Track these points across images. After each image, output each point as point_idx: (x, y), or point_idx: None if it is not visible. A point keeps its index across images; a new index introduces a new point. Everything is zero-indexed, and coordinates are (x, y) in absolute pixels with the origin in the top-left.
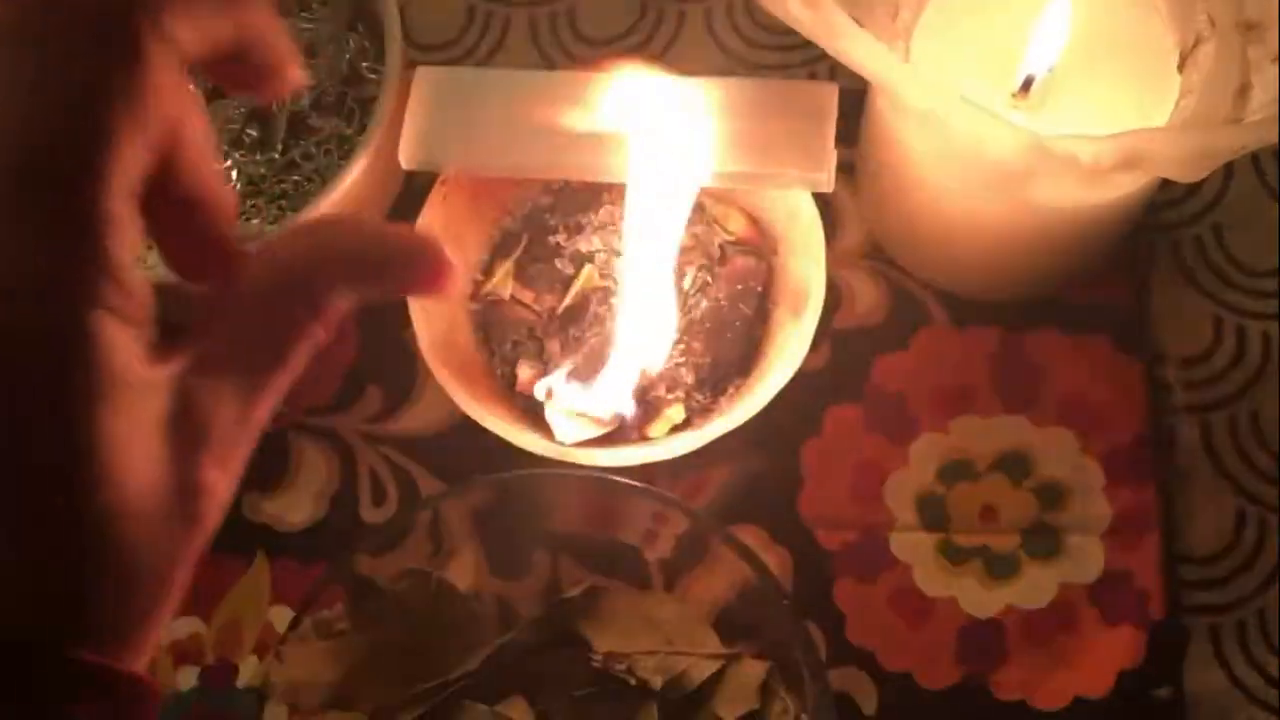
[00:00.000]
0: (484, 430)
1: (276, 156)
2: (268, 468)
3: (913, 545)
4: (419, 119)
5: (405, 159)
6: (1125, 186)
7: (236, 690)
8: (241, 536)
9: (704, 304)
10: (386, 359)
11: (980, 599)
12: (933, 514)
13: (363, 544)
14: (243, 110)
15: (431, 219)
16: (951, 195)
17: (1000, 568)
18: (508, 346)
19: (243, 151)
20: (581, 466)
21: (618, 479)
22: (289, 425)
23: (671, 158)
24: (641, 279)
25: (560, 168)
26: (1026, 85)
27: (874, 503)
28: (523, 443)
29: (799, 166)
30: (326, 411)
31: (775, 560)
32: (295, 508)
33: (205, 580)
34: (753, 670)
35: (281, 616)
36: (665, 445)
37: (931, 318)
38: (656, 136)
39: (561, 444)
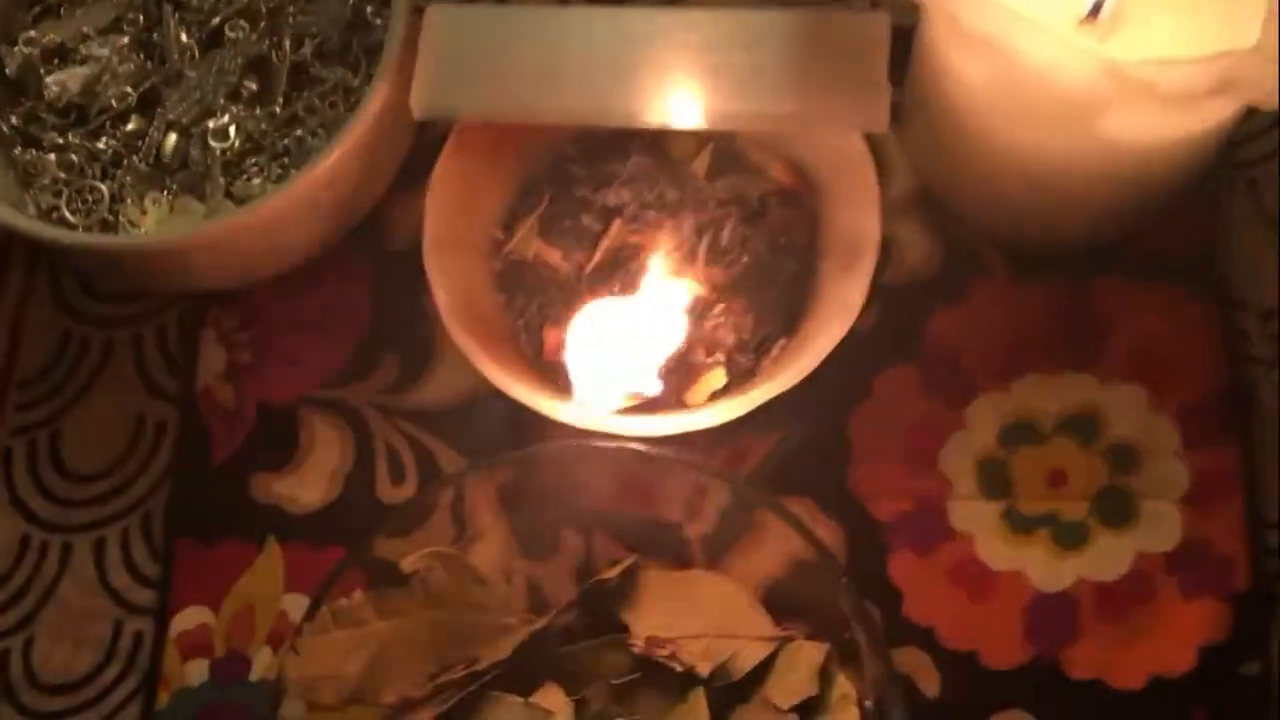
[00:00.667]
0: (509, 400)
1: (277, 110)
2: (277, 445)
3: (974, 515)
4: (430, 63)
5: (416, 107)
6: (1205, 118)
7: (250, 684)
8: (251, 519)
9: (744, 259)
10: (402, 325)
11: (1049, 571)
12: (994, 480)
13: (382, 526)
14: (240, 61)
15: (447, 173)
16: (1013, 134)
17: (1070, 537)
18: (533, 309)
19: (241, 105)
20: (615, 437)
21: (654, 449)
22: (298, 399)
23: (704, 100)
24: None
25: (585, 113)
26: (1095, 9)
27: (930, 470)
28: (552, 412)
29: (848, 105)
30: (338, 383)
31: (825, 534)
32: (307, 487)
33: (213, 567)
34: (809, 653)
35: (296, 604)
36: (705, 413)
37: (988, 269)
38: (688, 77)
39: (593, 413)
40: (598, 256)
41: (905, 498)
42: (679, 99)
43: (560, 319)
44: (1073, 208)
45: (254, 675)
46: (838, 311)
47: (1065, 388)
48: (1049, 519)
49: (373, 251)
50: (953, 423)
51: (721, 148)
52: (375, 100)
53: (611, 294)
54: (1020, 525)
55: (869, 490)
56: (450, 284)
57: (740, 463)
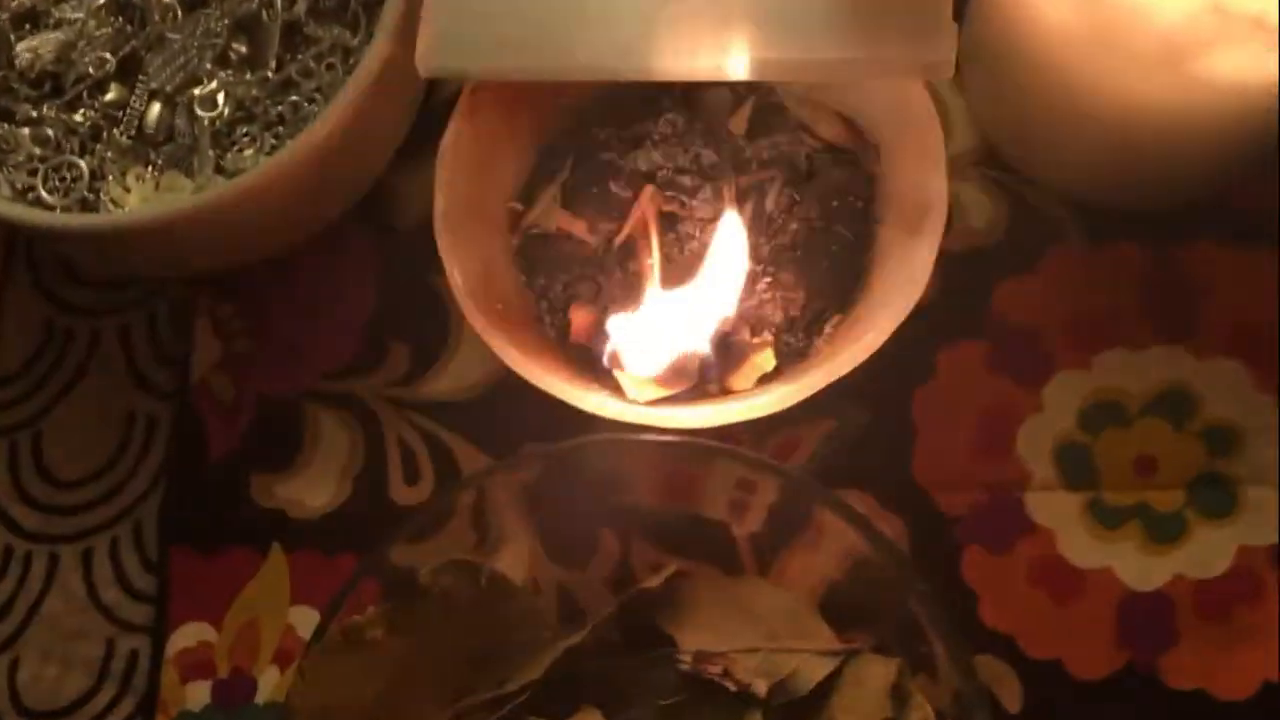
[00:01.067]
0: (533, 390)
1: (270, 75)
2: (279, 443)
3: (1054, 506)
4: (437, 16)
5: (423, 65)
6: None
7: (255, 708)
8: (253, 526)
9: (792, 226)
10: (414, 308)
11: (1141, 568)
12: (1077, 468)
13: (397, 531)
14: (227, 21)
15: (458, 138)
16: (1097, 79)
17: (1163, 530)
18: (557, 288)
19: (230, 70)
20: (652, 429)
21: (694, 440)
22: (302, 393)
23: (743, 48)
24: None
25: (611, 68)
26: None
27: (1004, 457)
28: (581, 403)
29: (908, 47)
30: (345, 374)
31: (888, 531)
32: (314, 490)
33: (213, 578)
34: (878, 669)
35: (304, 618)
36: (754, 401)
37: (1063, 233)
38: (724, 22)
39: (628, 403)
40: (627, 227)
41: (977, 489)
42: (714, 48)
43: (587, 297)
44: (1162, 162)
45: (260, 698)
46: (901, 283)
47: (1153, 363)
48: (1139, 510)
49: (379, 227)
50: (1028, 404)
51: (762, 102)
52: (375, 59)
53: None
54: (1107, 518)
55: (936, 481)
56: (465, 262)
57: (790, 452)
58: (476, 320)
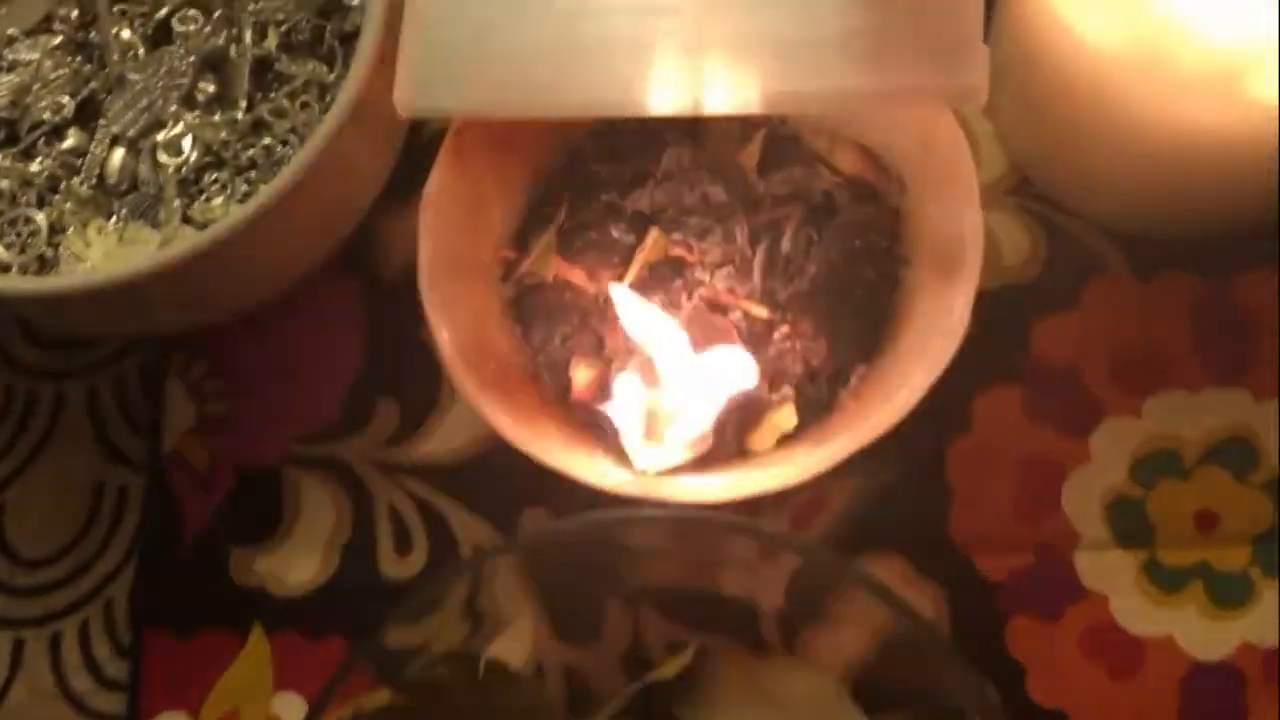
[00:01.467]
0: None
1: (240, 116)
2: (259, 514)
3: (1107, 568)
4: (416, 49)
5: (402, 104)
6: None
7: None
8: (232, 604)
9: (811, 269)
10: (402, 363)
11: (1205, 635)
12: (1131, 525)
13: (391, 613)
14: (193, 59)
15: (444, 182)
16: (1143, 102)
17: (1228, 592)
18: (556, 342)
19: (196, 112)
20: (665, 502)
21: (706, 514)
22: (282, 458)
23: (753, 78)
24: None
25: (608, 102)
26: None
27: (1049, 514)
28: (585, 474)
29: (936, 73)
30: (329, 437)
31: (924, 599)
32: (297, 564)
33: (190, 663)
34: None
35: (289, 707)
36: (773, 471)
37: (1105, 265)
38: (731, 50)
39: (635, 474)
40: (631, 274)
41: (1021, 550)
42: (721, 79)
43: (589, 351)
44: (1214, 189)
45: None
46: (935, 333)
47: (1210, 407)
48: (1201, 570)
49: (363, 277)
50: (1074, 455)
51: (775, 133)
52: (351, 95)
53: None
54: (1166, 580)
55: (976, 542)
56: (454, 319)
57: (814, 514)
58: (466, 385)
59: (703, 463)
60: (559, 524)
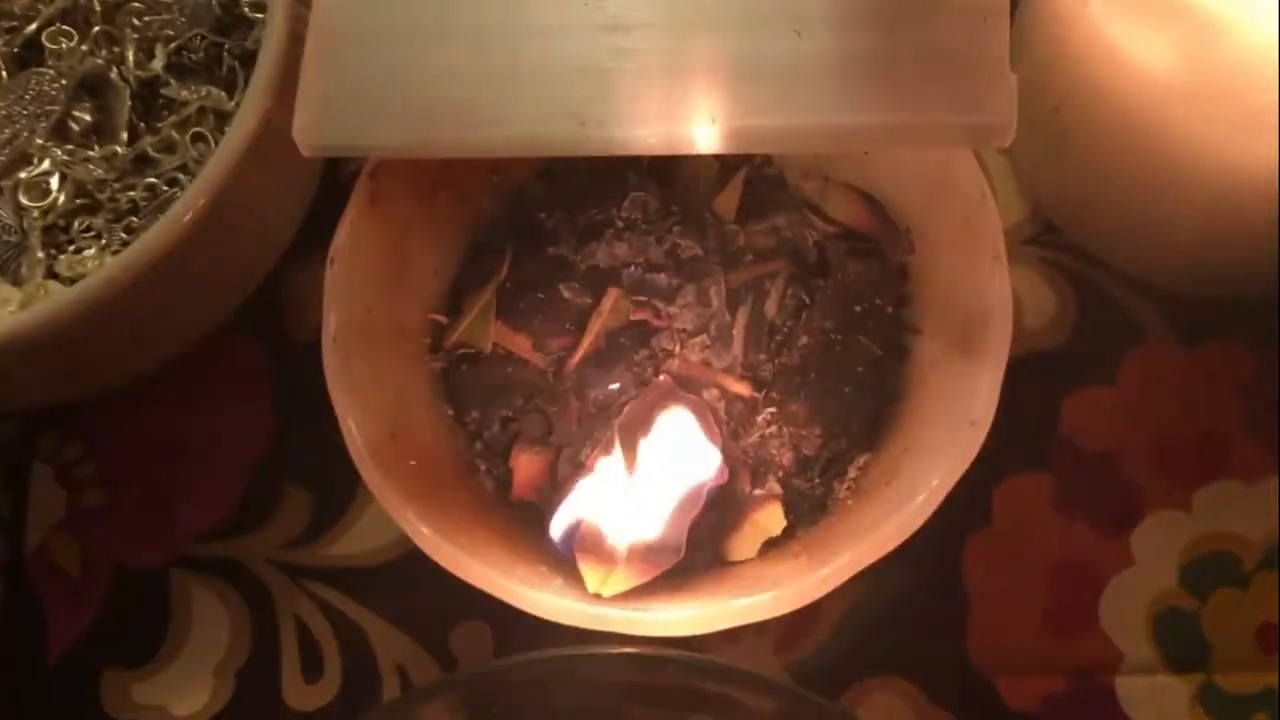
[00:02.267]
0: None
1: (120, 150)
2: (139, 628)
3: (1155, 696)
4: (322, 73)
5: (304, 139)
6: None
7: None
8: None
9: (802, 339)
10: (316, 446)
11: None
12: (1182, 643)
13: None
14: (65, 82)
15: (357, 233)
16: (1199, 142)
17: None
18: (495, 425)
19: (69, 146)
20: (622, 638)
21: (671, 655)
22: (169, 560)
23: (730, 112)
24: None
25: (555, 139)
26: None
27: (1085, 630)
28: (528, 603)
29: (953, 107)
30: (225, 534)
31: None
32: (185, 692)
33: None
34: None
35: None
36: (758, 598)
37: (1145, 332)
38: (704, 78)
39: (584, 602)
40: (586, 343)
41: (1052, 673)
42: (693, 110)
43: (534, 437)
44: (1275, 243)
45: None
46: (956, 420)
47: (1271, 500)
48: (1265, 699)
49: (269, 342)
50: (1114, 557)
51: (757, 175)
52: (251, 125)
53: (615, 397)
54: (1224, 708)
55: (998, 663)
56: (367, 402)
57: (809, 631)
58: (380, 488)
59: (672, 577)
60: (496, 663)
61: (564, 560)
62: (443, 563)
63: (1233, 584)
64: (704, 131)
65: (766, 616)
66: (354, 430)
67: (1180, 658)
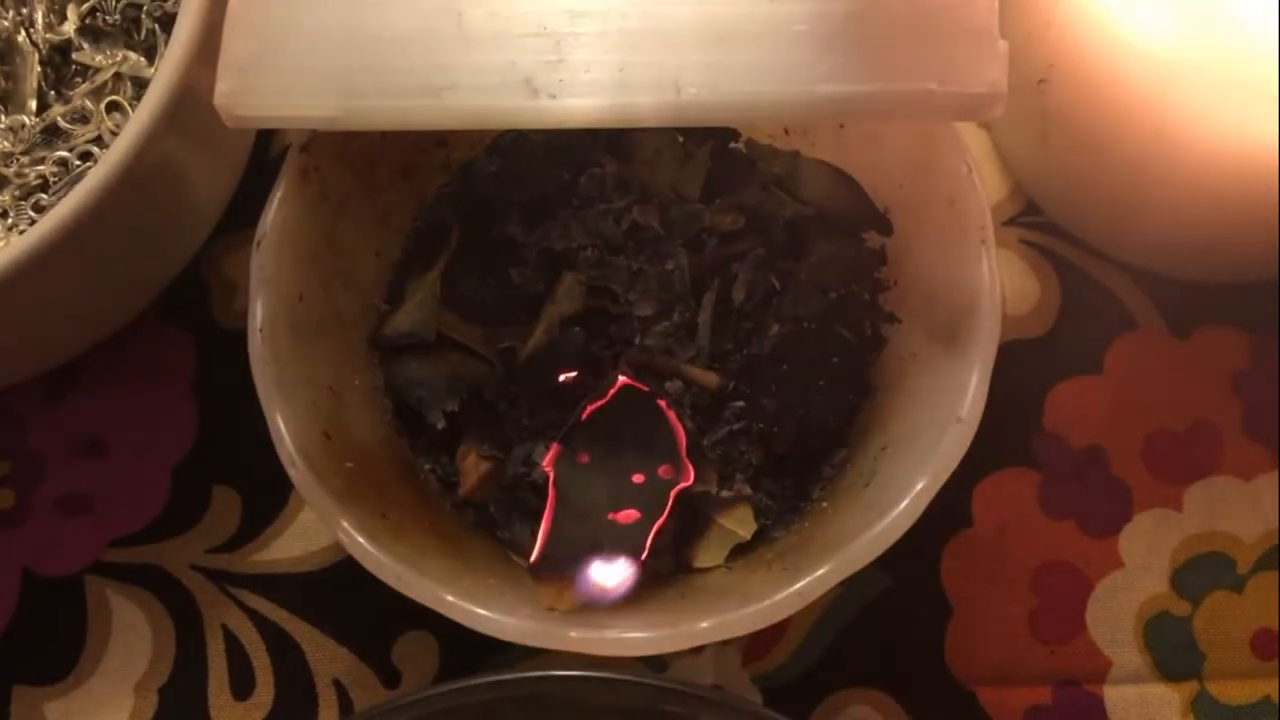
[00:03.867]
0: None
1: (28, 120)
2: (52, 640)
3: (1145, 705)
4: (243, 40)
5: (226, 108)
6: None
7: None
8: None
9: (773, 328)
10: (245, 442)
11: None
12: (1173, 650)
13: None
14: None
15: (287, 214)
16: (1201, 119)
17: None
18: (439, 423)
19: None
20: (576, 659)
21: (629, 677)
22: (84, 566)
23: (697, 80)
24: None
25: (501, 110)
26: None
27: (1071, 636)
28: (475, 621)
29: (938, 75)
30: (146, 537)
31: None
32: (102, 709)
33: None
34: None
35: None
36: (728, 615)
37: (1133, 319)
38: (667, 42)
39: (534, 620)
40: (539, 332)
41: (1036, 682)
42: (654, 78)
43: (482, 434)
44: (1274, 220)
45: None
46: (940, 418)
47: (1267, 498)
48: (1262, 709)
49: (195, 331)
50: (1101, 559)
51: (723, 149)
52: (168, 89)
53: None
54: (1218, 719)
55: (979, 673)
56: (297, 398)
57: (778, 639)
58: (313, 494)
59: (630, 594)
60: (456, 685)
61: (514, 567)
62: (383, 578)
63: (1227, 587)
64: (667, 102)
65: (735, 635)
66: (283, 431)
67: (1172, 665)
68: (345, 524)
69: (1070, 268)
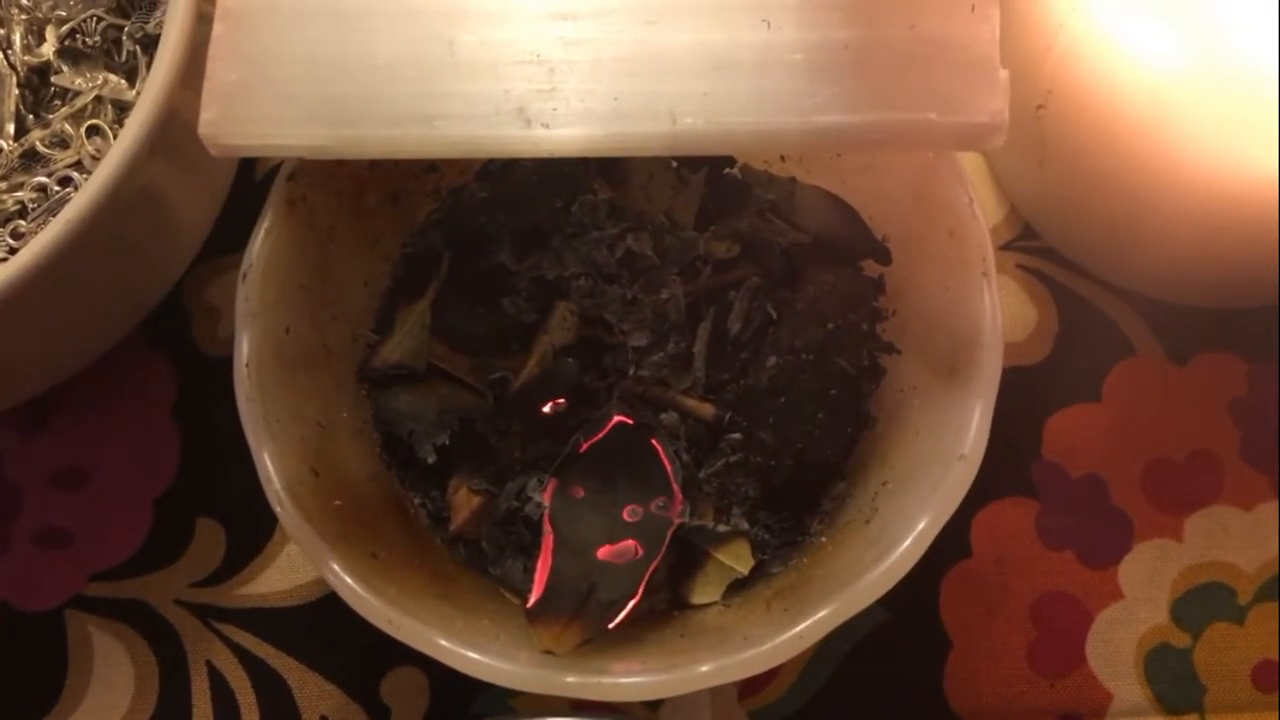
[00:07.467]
0: None
1: (5, 145)
2: (31, 678)
3: None
4: (228, 67)
5: (211, 136)
6: None
7: None
8: None
9: (770, 359)
10: (230, 473)
11: None
12: (1174, 682)
13: None
14: None
15: (274, 242)
16: (1204, 142)
17: None
18: (430, 456)
19: None
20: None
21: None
22: (65, 600)
23: (689, 111)
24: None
25: (494, 137)
26: None
27: (1072, 668)
28: (466, 665)
29: (938, 105)
30: (129, 571)
31: None
32: None
33: None
34: None
35: None
36: (726, 660)
37: (1132, 345)
38: (662, 72)
39: (538, 657)
40: (532, 363)
41: (1037, 715)
42: (648, 106)
43: (474, 468)
44: (1275, 246)
45: None
46: (943, 454)
47: (1268, 528)
48: None
49: (178, 358)
50: (1100, 590)
51: (718, 176)
52: (151, 114)
53: (563, 423)
54: None
55: (979, 706)
56: (284, 433)
57: (773, 675)
58: (300, 533)
59: (628, 626)
60: None
61: (506, 605)
62: (374, 622)
63: (1228, 618)
64: (663, 132)
65: (735, 679)
66: (270, 471)
67: (1172, 698)
68: (335, 566)
69: (1068, 293)
